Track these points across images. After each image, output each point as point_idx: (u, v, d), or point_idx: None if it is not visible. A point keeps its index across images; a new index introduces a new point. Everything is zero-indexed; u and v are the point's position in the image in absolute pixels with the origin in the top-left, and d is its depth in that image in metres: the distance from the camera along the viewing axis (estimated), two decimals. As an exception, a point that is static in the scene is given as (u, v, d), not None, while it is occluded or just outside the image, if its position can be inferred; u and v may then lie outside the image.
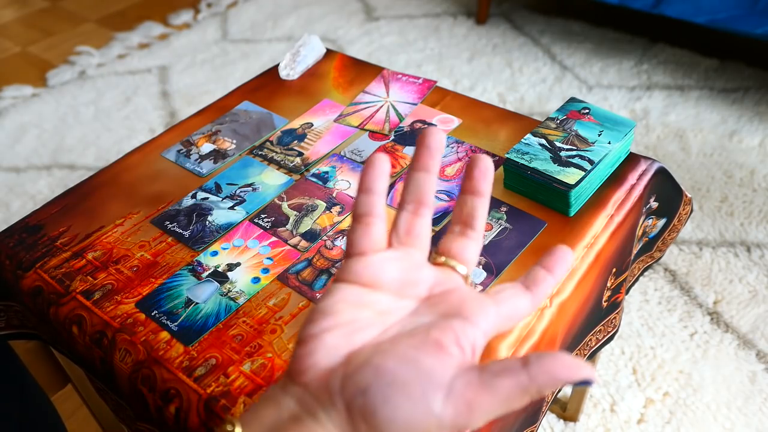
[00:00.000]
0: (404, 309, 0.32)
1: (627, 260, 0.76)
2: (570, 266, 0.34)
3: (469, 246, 0.34)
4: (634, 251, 0.79)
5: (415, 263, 0.33)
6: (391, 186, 0.77)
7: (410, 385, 0.27)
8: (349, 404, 0.28)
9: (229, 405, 0.55)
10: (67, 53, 2.26)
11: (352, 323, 0.31)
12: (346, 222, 0.72)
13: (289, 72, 0.97)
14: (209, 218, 0.74)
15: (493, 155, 0.80)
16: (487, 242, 0.68)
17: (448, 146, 0.82)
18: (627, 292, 0.82)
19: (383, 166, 0.33)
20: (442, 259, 0.34)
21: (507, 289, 0.32)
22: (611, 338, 0.79)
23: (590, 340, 0.74)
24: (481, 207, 0.34)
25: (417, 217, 0.34)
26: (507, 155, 0.73)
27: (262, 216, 0.74)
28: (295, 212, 0.74)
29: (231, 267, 0.68)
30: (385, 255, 0.33)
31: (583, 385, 0.27)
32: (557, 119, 0.77)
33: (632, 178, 0.75)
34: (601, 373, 1.15)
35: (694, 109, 1.76)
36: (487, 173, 0.34)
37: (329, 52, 1.03)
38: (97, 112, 1.95)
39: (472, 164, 0.34)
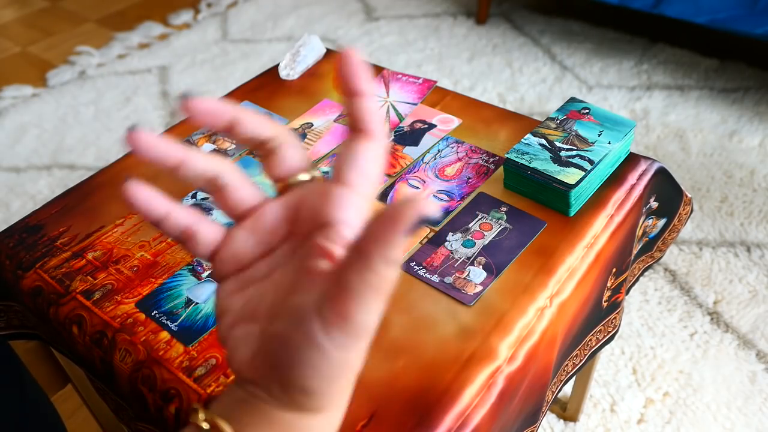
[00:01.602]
0: (280, 258, 0.30)
1: (627, 260, 0.76)
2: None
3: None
4: (634, 251, 0.79)
5: (260, 215, 0.31)
6: (391, 186, 0.77)
7: (291, 336, 0.27)
8: (272, 382, 0.28)
9: (229, 405, 0.55)
10: (67, 53, 2.26)
11: (246, 307, 0.30)
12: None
13: (289, 72, 0.97)
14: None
15: (493, 155, 0.80)
16: (487, 242, 0.68)
17: (448, 146, 0.82)
18: (627, 292, 0.82)
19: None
20: (285, 183, 0.31)
21: (340, 158, 0.30)
22: (611, 338, 0.79)
23: (590, 340, 0.74)
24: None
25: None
26: (507, 155, 0.73)
27: (262, 216, 0.74)
28: (295, 212, 0.74)
29: (231, 267, 0.68)
30: (234, 236, 0.31)
31: (426, 223, 0.23)
32: (557, 119, 0.77)
33: (632, 178, 0.75)
34: (601, 373, 1.15)
35: (694, 109, 1.76)
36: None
37: (329, 52, 1.03)
38: (97, 112, 1.95)
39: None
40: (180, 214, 0.32)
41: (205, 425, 0.29)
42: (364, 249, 0.23)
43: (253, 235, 0.31)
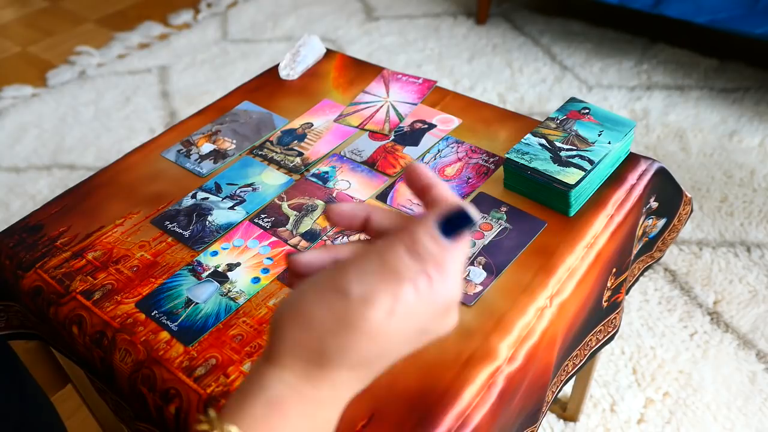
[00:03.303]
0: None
1: (627, 260, 0.76)
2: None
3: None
4: (634, 251, 0.79)
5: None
6: (391, 186, 0.77)
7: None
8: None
9: (229, 405, 0.55)
10: (67, 53, 2.26)
11: None
12: (346, 222, 0.72)
13: (289, 72, 0.97)
14: (209, 218, 0.74)
15: (493, 155, 0.80)
16: (487, 242, 0.68)
17: (448, 146, 0.82)
18: (627, 292, 0.82)
19: None
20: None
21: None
22: (611, 338, 0.79)
23: (590, 340, 0.74)
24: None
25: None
26: (507, 155, 0.73)
27: (262, 216, 0.74)
28: (295, 212, 0.74)
29: (231, 267, 0.68)
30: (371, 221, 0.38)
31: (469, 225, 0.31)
32: (557, 119, 0.77)
33: (632, 178, 0.75)
34: (601, 373, 1.15)
35: (694, 109, 1.76)
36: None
37: (329, 52, 1.03)
38: (97, 112, 1.95)
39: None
40: (360, 212, 0.37)
41: (206, 427, 0.31)
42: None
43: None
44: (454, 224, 0.31)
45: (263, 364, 0.33)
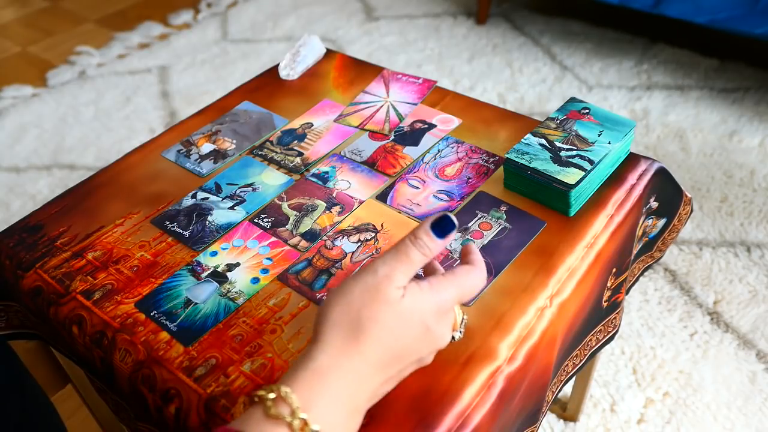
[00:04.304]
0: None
1: (627, 260, 0.76)
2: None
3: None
4: (634, 251, 0.79)
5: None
6: (391, 186, 0.77)
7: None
8: None
9: (229, 405, 0.55)
10: (67, 53, 2.27)
11: None
12: (346, 222, 0.72)
13: (289, 72, 0.97)
14: (209, 218, 0.74)
15: (493, 155, 0.80)
16: (486, 242, 0.68)
17: (448, 146, 0.82)
18: (627, 292, 0.82)
19: None
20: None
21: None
22: (611, 338, 0.79)
23: (590, 340, 0.74)
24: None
25: None
26: (507, 155, 0.73)
27: (262, 216, 0.74)
28: (295, 212, 0.74)
29: (230, 267, 0.68)
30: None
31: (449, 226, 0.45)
32: (557, 119, 0.77)
33: (632, 178, 0.75)
34: (601, 373, 1.15)
35: (694, 109, 1.76)
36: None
37: (329, 52, 1.03)
38: (97, 112, 1.95)
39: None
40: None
41: (272, 395, 0.39)
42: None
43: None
44: (441, 226, 0.44)
45: (311, 344, 0.43)
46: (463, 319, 0.55)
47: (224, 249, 0.70)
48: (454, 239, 0.48)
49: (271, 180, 0.79)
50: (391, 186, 0.77)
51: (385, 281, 0.42)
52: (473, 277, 0.48)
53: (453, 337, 0.51)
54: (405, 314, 0.42)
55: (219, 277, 0.67)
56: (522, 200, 0.73)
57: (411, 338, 0.43)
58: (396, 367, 0.44)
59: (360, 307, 0.42)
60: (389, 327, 0.42)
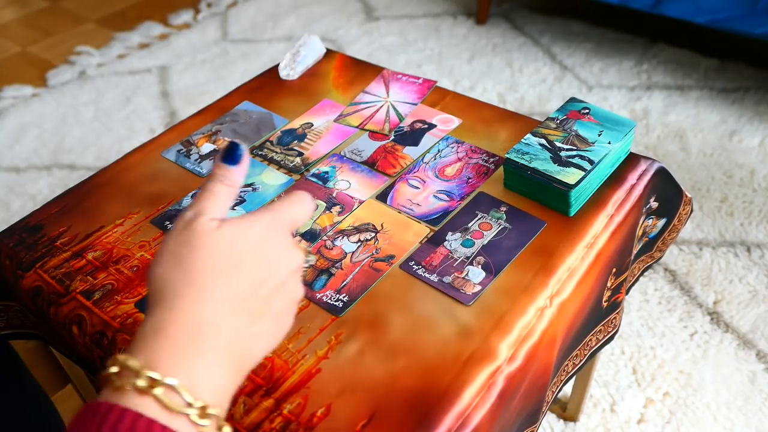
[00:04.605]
0: None
1: (627, 260, 0.76)
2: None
3: None
4: (634, 251, 0.79)
5: None
6: (391, 186, 0.77)
7: None
8: None
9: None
10: (67, 53, 2.27)
11: None
12: (346, 222, 0.72)
13: (289, 72, 0.97)
14: (209, 218, 0.74)
15: (493, 155, 0.80)
16: (486, 242, 0.68)
17: (448, 146, 0.82)
18: (627, 292, 0.82)
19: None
20: None
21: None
22: (611, 338, 0.79)
23: (590, 340, 0.74)
24: None
25: None
26: (507, 155, 0.73)
27: (262, 216, 0.74)
28: (295, 212, 0.74)
29: (231, 267, 0.68)
30: None
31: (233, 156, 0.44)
32: (557, 119, 0.77)
33: (632, 178, 0.75)
34: (601, 373, 1.15)
35: (694, 109, 1.76)
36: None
37: (329, 52, 1.03)
38: (97, 112, 1.95)
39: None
40: None
41: (114, 369, 0.35)
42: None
43: None
44: (231, 154, 0.43)
45: (147, 312, 0.39)
46: (308, 251, 0.48)
47: (224, 249, 0.70)
48: (248, 165, 0.46)
49: (271, 180, 0.79)
50: (391, 186, 0.77)
51: (195, 218, 0.39)
52: (296, 195, 0.44)
53: (308, 262, 0.45)
54: (228, 238, 0.39)
55: (219, 277, 0.67)
56: (522, 200, 0.73)
57: (251, 259, 0.39)
58: (254, 299, 0.39)
59: (179, 249, 0.38)
60: (218, 254, 0.38)
